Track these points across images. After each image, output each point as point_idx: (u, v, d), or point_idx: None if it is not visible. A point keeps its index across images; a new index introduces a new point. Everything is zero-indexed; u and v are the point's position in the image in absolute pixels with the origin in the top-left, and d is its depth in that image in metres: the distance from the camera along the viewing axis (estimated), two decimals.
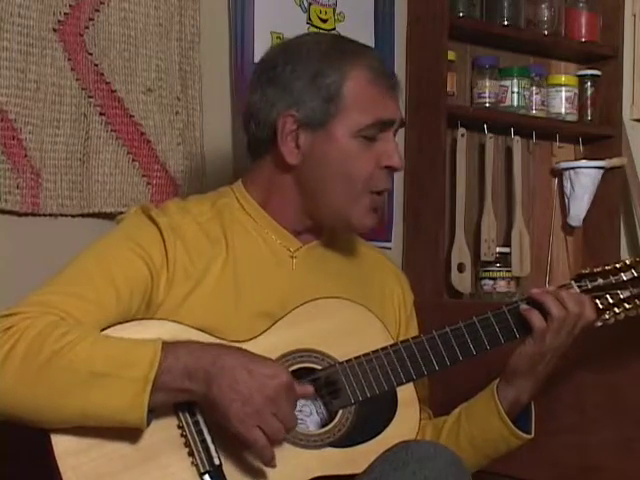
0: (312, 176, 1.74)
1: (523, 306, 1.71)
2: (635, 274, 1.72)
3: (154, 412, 1.53)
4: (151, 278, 1.65)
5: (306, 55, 1.74)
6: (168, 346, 1.52)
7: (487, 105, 2.84)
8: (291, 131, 1.72)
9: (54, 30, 2.19)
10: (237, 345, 1.60)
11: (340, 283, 1.79)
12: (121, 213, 1.86)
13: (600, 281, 1.73)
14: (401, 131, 2.69)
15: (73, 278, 1.62)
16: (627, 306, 1.73)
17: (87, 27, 2.24)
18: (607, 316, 1.73)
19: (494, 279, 2.81)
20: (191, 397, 1.54)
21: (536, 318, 1.70)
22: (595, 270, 1.74)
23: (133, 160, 2.31)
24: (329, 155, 1.72)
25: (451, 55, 2.76)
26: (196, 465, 1.55)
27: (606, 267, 1.73)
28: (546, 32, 2.94)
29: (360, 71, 1.72)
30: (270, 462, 1.54)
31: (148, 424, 1.51)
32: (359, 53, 1.76)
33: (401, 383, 1.67)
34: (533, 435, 1.77)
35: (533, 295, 1.71)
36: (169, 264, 1.67)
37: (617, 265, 1.73)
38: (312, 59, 1.73)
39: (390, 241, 2.74)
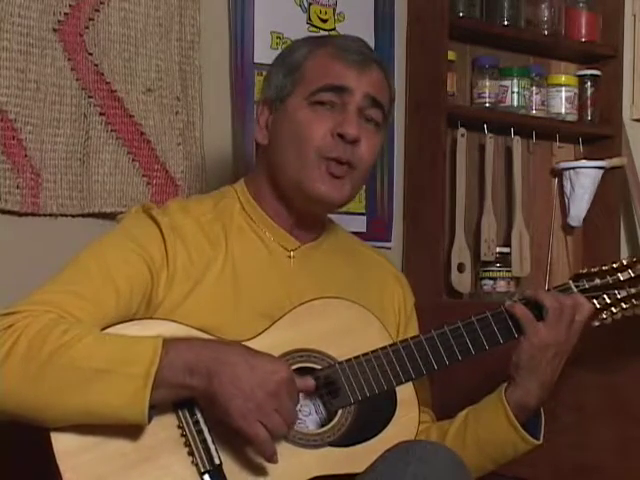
0: (274, 151, 1.77)
1: (507, 302, 1.72)
2: (632, 274, 1.73)
3: (155, 409, 1.53)
4: (151, 277, 1.65)
5: (285, 50, 1.83)
6: (169, 342, 1.52)
7: (487, 105, 2.84)
8: (264, 115, 1.79)
9: (54, 30, 2.19)
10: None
11: (338, 284, 1.79)
12: (121, 213, 1.86)
13: (597, 281, 1.73)
14: (401, 131, 2.74)
15: (73, 277, 1.63)
16: (624, 306, 1.73)
17: (87, 27, 2.24)
18: (604, 316, 1.74)
19: (494, 279, 2.81)
20: (192, 393, 1.54)
21: (519, 310, 1.70)
22: (592, 270, 1.74)
23: (133, 160, 2.31)
24: (285, 126, 1.75)
25: (451, 55, 2.76)
26: (196, 464, 1.55)
27: (603, 267, 1.74)
28: (546, 32, 2.94)
29: (326, 50, 1.76)
30: (272, 457, 1.54)
31: (149, 421, 1.51)
32: (334, 40, 1.80)
33: (400, 383, 1.68)
34: (542, 442, 1.76)
35: (527, 295, 1.72)
36: (169, 263, 1.67)
37: (614, 265, 1.74)
38: (288, 49, 1.83)
39: (390, 241, 2.74)
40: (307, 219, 1.81)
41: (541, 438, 1.76)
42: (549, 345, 1.70)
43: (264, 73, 1.90)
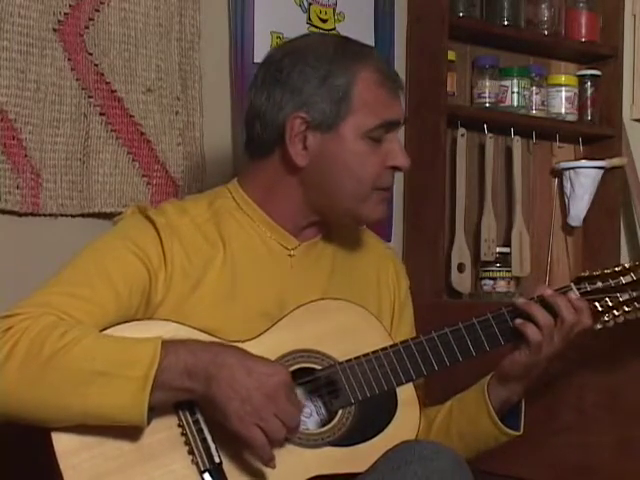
0: (319, 177, 1.73)
1: (518, 320, 1.71)
2: (634, 277, 1.72)
3: (154, 411, 1.53)
4: (149, 278, 1.65)
5: (314, 57, 1.72)
6: (168, 345, 1.52)
7: (487, 105, 2.84)
8: (299, 132, 1.71)
9: (54, 30, 2.19)
10: (237, 345, 1.60)
11: (338, 279, 1.79)
12: (121, 213, 1.85)
13: (599, 284, 1.73)
14: (401, 131, 2.72)
15: (72, 278, 1.63)
16: (626, 309, 1.73)
17: (87, 27, 2.24)
18: (606, 318, 1.73)
19: (494, 279, 2.81)
20: (191, 396, 1.54)
21: (531, 330, 1.69)
22: (594, 273, 1.74)
23: (133, 160, 2.31)
24: (337, 156, 1.72)
25: (451, 55, 2.76)
26: (196, 463, 1.55)
27: (605, 270, 1.74)
28: (546, 32, 2.94)
29: (368, 73, 1.72)
30: (269, 462, 1.54)
31: (148, 423, 1.52)
32: (366, 54, 1.75)
33: (401, 383, 1.68)
34: (522, 432, 1.77)
35: (519, 305, 1.71)
36: (167, 263, 1.67)
37: (616, 269, 1.74)
38: (321, 61, 1.72)
39: (390, 241, 2.73)
40: (322, 223, 1.81)
41: (521, 428, 1.77)
42: (545, 358, 1.71)
43: None
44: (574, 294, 1.72)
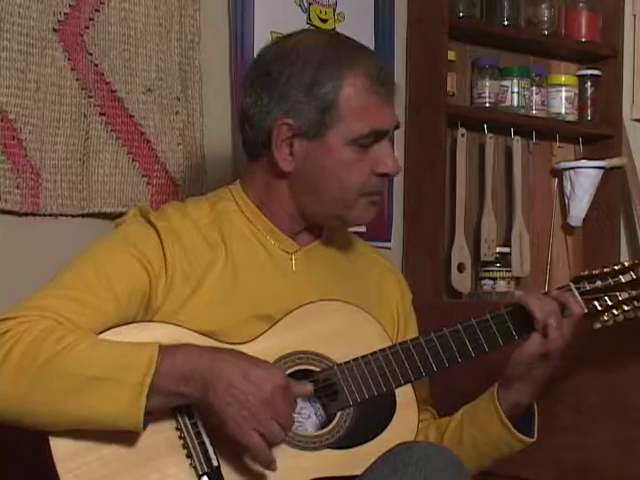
0: (306, 183, 1.73)
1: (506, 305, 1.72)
2: (634, 276, 1.72)
3: (151, 415, 1.53)
4: (149, 282, 1.65)
5: (302, 62, 1.71)
6: (165, 350, 1.52)
7: (487, 105, 2.84)
8: (285, 138, 1.71)
9: (54, 30, 2.19)
10: (235, 348, 1.60)
11: (339, 284, 1.79)
12: (121, 214, 1.85)
13: (599, 283, 1.73)
14: (401, 131, 2.73)
15: (71, 282, 1.62)
16: (625, 308, 1.73)
17: (87, 27, 2.24)
18: (606, 318, 1.73)
19: (494, 279, 2.81)
20: (188, 401, 1.54)
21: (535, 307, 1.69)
22: (594, 272, 1.74)
23: (133, 160, 2.31)
24: (323, 163, 1.71)
25: (451, 55, 2.76)
26: (194, 467, 1.55)
27: (605, 269, 1.73)
28: (546, 32, 2.94)
29: (356, 77, 1.70)
30: (270, 465, 1.54)
31: (145, 427, 1.52)
32: (356, 58, 1.72)
33: (399, 385, 1.68)
34: (535, 439, 1.77)
35: (516, 299, 1.72)
36: (168, 267, 1.66)
37: (616, 267, 1.73)
38: (308, 66, 1.70)
39: (390, 241, 2.74)
40: (316, 227, 1.81)
41: (535, 435, 1.77)
42: (542, 355, 1.70)
43: None
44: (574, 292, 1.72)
